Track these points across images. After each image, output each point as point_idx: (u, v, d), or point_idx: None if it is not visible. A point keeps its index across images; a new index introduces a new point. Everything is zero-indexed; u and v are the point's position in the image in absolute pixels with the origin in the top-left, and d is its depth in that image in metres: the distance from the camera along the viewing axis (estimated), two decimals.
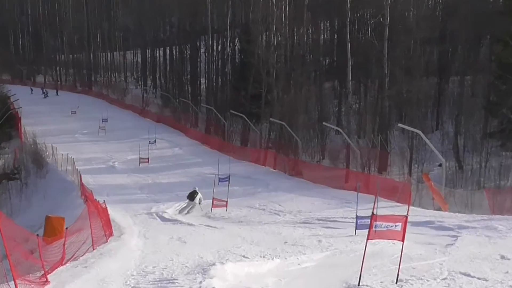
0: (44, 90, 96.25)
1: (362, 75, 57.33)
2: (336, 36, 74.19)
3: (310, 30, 72.31)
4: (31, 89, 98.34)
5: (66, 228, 17.74)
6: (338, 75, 65.66)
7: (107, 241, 20.80)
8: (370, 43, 50.12)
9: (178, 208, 31.50)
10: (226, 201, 30.97)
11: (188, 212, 31.14)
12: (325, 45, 72.84)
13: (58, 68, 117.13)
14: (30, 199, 40.07)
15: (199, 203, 31.63)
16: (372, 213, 14.63)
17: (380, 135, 44.56)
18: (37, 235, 15.98)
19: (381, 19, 47.45)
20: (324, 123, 47.82)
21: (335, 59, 74.06)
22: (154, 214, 29.66)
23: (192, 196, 31.88)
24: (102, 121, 65.74)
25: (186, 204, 31.77)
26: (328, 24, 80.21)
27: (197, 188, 32.54)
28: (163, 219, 28.53)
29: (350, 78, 50.81)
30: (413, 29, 49.61)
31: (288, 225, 25.31)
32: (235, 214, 29.65)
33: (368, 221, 16.15)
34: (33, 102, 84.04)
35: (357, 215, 22.04)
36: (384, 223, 14.37)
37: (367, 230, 14.92)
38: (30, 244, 16.00)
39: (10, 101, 69.53)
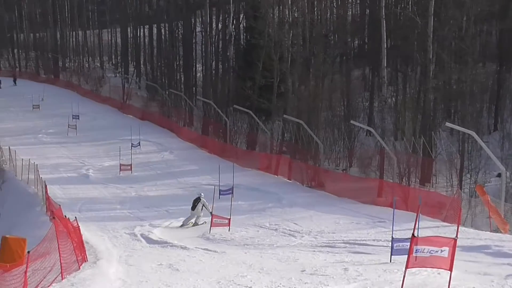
0: None
1: (400, 61, 57.45)
2: (367, 11, 74.33)
3: (334, 4, 72.53)
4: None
5: (28, 252, 17.85)
6: (370, 60, 65.81)
7: (79, 268, 21.01)
8: (411, 20, 50.20)
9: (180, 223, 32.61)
10: (229, 219, 31.08)
11: (194, 224, 32.25)
12: (354, 23, 73.01)
13: (15, 50, 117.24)
14: None
15: (209, 210, 32.17)
16: (413, 234, 14.80)
17: (422, 137, 44.62)
18: None
19: None
20: (352, 121, 47.93)
21: (366, 40, 74.23)
22: (139, 235, 29.82)
23: (193, 205, 32.73)
24: (73, 118, 66.06)
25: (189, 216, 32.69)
26: None
27: (202, 194, 33.25)
28: (150, 241, 28.69)
29: (385, 65, 50.89)
30: (466, 2, 49.65)
31: (307, 250, 25.45)
32: (240, 236, 29.79)
33: (407, 244, 16.33)
34: None
35: (393, 238, 22.16)
36: (427, 248, 14.54)
37: (406, 256, 15.09)
38: None
39: None
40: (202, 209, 32.55)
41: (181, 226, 32.11)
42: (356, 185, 38.97)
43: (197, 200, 32.70)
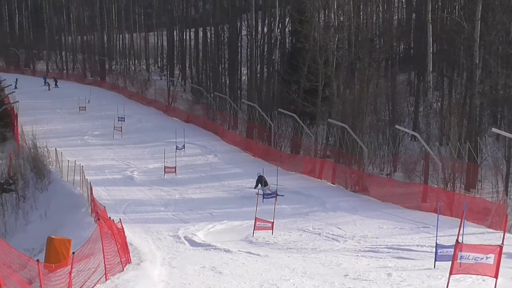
0: (46, 80, 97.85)
1: (446, 66, 57.07)
2: (413, 15, 73.98)
3: (380, 8, 72.24)
4: (45, 80, 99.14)
5: (73, 253, 17.98)
6: (415, 65, 65.50)
7: (123, 269, 21.13)
8: (458, 25, 49.86)
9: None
10: (272, 223, 31.09)
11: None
12: (400, 27, 72.64)
13: (63, 52, 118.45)
14: (28, 216, 40.71)
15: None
16: (457, 241, 14.68)
17: (468, 143, 44.28)
18: (37, 260, 16.29)
19: None
20: (396, 126, 47.74)
21: (412, 45, 73.87)
22: (182, 237, 29.96)
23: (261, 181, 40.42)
24: (118, 120, 66.50)
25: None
26: (403, 0, 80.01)
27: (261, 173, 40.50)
28: (193, 243, 28.80)
29: (430, 70, 50.53)
30: None
31: (350, 254, 25.39)
32: (283, 239, 29.80)
33: (451, 251, 16.20)
34: (33, 96, 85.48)
35: (437, 243, 22.02)
36: (472, 254, 14.42)
37: (450, 262, 14.97)
38: (29, 271, 16.38)
39: (4, 94, 70.73)
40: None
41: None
42: (400, 190, 38.81)
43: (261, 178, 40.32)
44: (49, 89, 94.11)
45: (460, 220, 18.59)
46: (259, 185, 40.54)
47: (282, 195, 38.66)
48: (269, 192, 38.55)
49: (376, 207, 36.72)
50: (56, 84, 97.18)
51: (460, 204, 30.55)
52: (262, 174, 40.26)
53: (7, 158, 52.10)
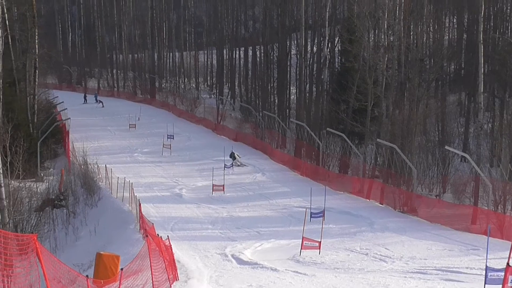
0: (97, 98, 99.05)
1: (497, 87, 56.56)
2: (465, 35, 73.50)
3: (431, 28, 71.89)
4: (85, 97, 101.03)
5: (121, 269, 18.14)
6: (466, 86, 65.00)
7: (170, 286, 21.24)
8: (510, 45, 49.46)
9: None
10: (319, 242, 31.02)
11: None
12: (451, 47, 72.24)
13: (114, 70, 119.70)
14: (78, 231, 41.05)
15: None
16: (508, 264, 14.52)
17: None
18: (87, 276, 16.46)
19: None
20: (446, 147, 47.34)
21: (463, 65, 73.34)
22: (229, 255, 30.01)
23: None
24: (168, 138, 66.98)
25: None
26: (455, 20, 79.56)
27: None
28: (240, 261, 28.84)
29: (482, 90, 50.18)
30: None
31: (397, 275, 25.24)
32: (330, 259, 29.71)
33: (501, 274, 16.01)
34: (84, 113, 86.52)
35: (487, 266, 21.75)
36: None
37: (500, 286, 14.80)
38: (78, 287, 16.53)
39: (57, 111, 71.63)
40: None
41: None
42: (449, 212, 38.51)
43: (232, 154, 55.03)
44: (103, 106, 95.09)
45: (511, 242, 18.36)
46: (231, 158, 56.46)
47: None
48: (239, 164, 56.90)
49: (424, 228, 36.47)
50: (97, 100, 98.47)
51: (511, 227, 30.22)
52: (233, 151, 57.87)
53: (59, 174, 52.70)
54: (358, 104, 57.03)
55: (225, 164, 53.80)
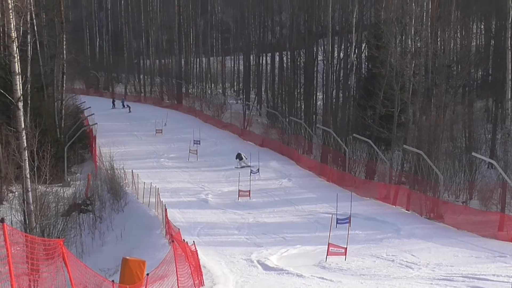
0: (124, 103, 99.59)
1: None
2: (492, 42, 73.21)
3: (458, 34, 71.63)
4: (113, 102, 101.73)
5: (147, 274, 18.20)
6: (493, 92, 64.67)
7: None
8: None
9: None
10: (345, 248, 30.97)
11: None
12: (478, 53, 71.95)
13: (141, 76, 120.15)
14: (104, 236, 41.19)
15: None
16: None
17: None
18: (113, 281, 16.57)
19: None
20: (473, 153, 47.09)
21: (490, 71, 73.04)
22: (255, 261, 30.03)
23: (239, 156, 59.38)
24: (194, 143, 67.17)
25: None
26: (482, 26, 79.22)
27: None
28: (266, 267, 28.84)
29: (509, 96, 49.95)
30: None
31: (424, 282, 25.14)
32: (356, 265, 29.65)
33: None
34: (110, 118, 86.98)
35: None
36: None
37: None
38: None
39: (84, 116, 72.05)
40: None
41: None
42: (476, 218, 38.30)
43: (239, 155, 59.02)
44: (129, 111, 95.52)
45: None
46: (237, 159, 60.34)
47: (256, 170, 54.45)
48: (244, 165, 58.84)
49: (451, 235, 36.28)
50: (124, 105, 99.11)
51: None
52: (240, 152, 61.32)
53: (85, 179, 53.01)
54: (385, 110, 56.84)
55: (251, 170, 53.91)
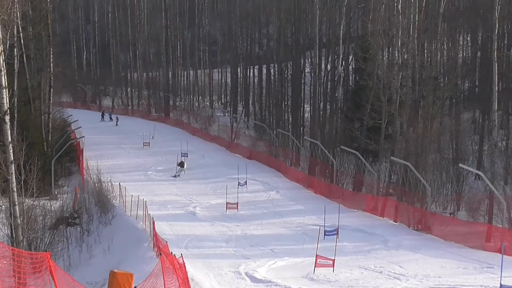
0: (111, 116, 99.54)
1: None
2: (479, 53, 73.54)
3: (445, 46, 71.95)
4: (102, 115, 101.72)
5: (135, 287, 18.19)
6: (480, 103, 64.98)
7: None
8: None
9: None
10: (333, 260, 31.04)
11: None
12: (465, 65, 72.26)
13: (129, 89, 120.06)
14: (92, 249, 41.10)
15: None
16: None
17: None
18: None
19: None
20: (460, 164, 47.28)
21: (477, 83, 73.38)
22: (243, 273, 30.05)
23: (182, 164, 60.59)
24: (182, 156, 67.07)
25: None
26: (469, 38, 79.60)
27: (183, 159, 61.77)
28: (254, 279, 28.87)
29: (496, 108, 50.16)
30: None
31: None
32: (344, 277, 29.70)
33: None
34: (98, 131, 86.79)
35: (501, 284, 21.77)
36: None
37: None
38: None
39: (71, 129, 71.92)
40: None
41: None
42: (463, 229, 38.45)
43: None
44: (116, 124, 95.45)
45: None
46: (179, 167, 61.92)
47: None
48: (178, 174, 61.45)
49: (439, 246, 36.42)
50: (111, 118, 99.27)
51: None
52: (183, 160, 63.75)
53: (73, 192, 52.86)
54: (372, 122, 57.05)
55: (239, 182, 53.92)
